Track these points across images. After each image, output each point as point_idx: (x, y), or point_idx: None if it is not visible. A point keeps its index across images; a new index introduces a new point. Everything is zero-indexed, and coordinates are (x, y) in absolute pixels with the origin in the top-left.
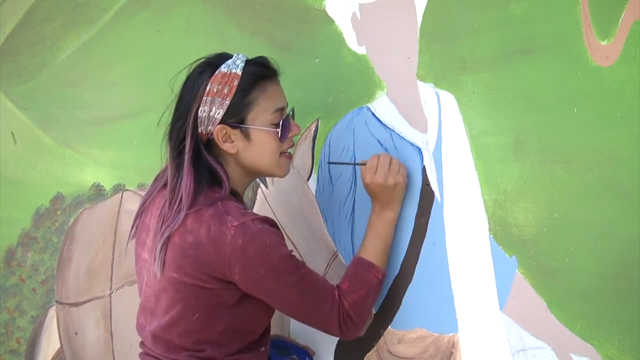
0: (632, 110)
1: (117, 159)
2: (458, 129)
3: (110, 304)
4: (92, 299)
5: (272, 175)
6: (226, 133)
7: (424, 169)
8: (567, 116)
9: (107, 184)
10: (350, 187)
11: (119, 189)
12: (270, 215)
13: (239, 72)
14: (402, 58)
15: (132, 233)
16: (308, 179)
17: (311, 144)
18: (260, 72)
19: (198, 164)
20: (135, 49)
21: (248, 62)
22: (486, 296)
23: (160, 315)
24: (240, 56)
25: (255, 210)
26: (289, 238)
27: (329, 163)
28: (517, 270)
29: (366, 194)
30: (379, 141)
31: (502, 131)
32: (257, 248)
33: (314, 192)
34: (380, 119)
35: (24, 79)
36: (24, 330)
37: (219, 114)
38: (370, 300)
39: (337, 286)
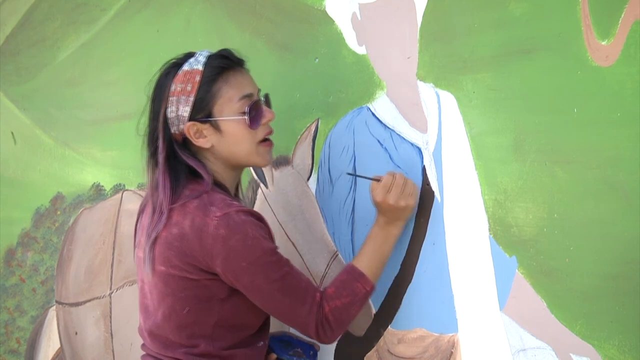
0: (632, 110)
1: (117, 159)
2: (458, 129)
3: (110, 304)
4: (92, 299)
5: (254, 165)
6: (197, 129)
7: (424, 169)
8: (567, 116)
9: (107, 184)
10: (350, 187)
11: (119, 189)
12: (270, 215)
13: (201, 67)
14: (402, 58)
15: (135, 233)
16: (308, 179)
17: (311, 144)
18: (221, 64)
19: (175, 164)
20: (135, 49)
21: (210, 57)
22: (486, 296)
23: (154, 311)
24: (203, 52)
25: (255, 209)
26: (288, 238)
27: (348, 174)
28: (517, 270)
29: (366, 194)
30: (379, 141)
31: (502, 131)
32: (240, 239)
33: (314, 192)
34: (380, 119)
35: (24, 79)
36: (24, 330)
37: (186, 111)
38: (353, 310)
39: (324, 289)
